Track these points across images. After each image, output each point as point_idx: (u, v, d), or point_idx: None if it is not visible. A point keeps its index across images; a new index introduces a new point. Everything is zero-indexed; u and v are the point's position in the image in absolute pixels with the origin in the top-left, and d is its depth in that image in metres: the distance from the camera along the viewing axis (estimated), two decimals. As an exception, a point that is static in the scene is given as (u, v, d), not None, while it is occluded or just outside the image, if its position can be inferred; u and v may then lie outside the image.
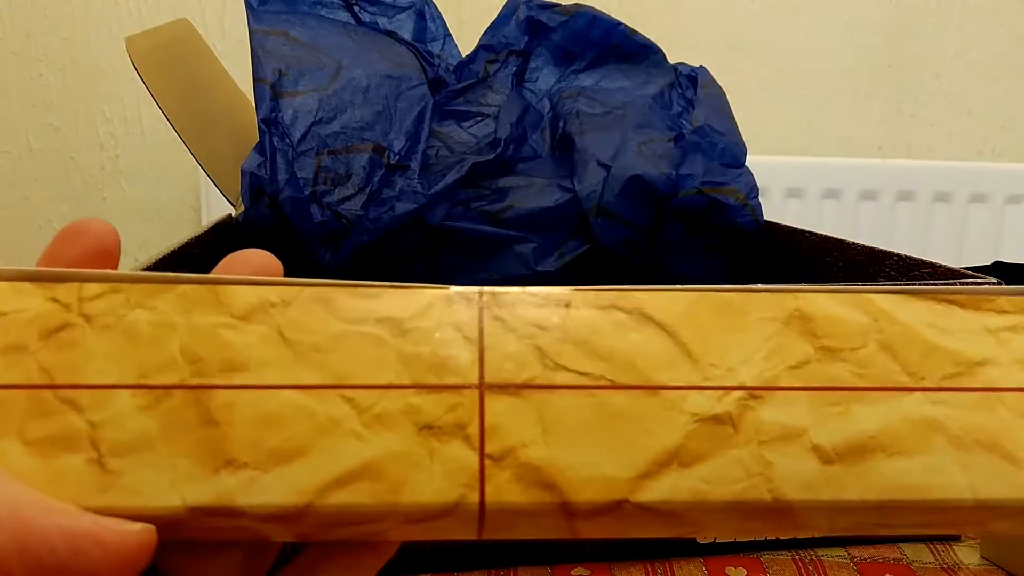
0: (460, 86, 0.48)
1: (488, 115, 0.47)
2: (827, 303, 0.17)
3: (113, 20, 0.88)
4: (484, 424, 0.16)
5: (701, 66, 0.53)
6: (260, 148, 0.42)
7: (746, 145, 0.49)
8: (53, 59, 0.88)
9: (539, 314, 0.17)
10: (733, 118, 0.51)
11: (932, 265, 0.38)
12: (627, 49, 0.51)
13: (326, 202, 0.42)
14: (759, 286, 0.17)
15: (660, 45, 0.52)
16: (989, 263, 0.61)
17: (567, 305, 0.17)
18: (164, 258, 0.36)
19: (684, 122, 0.49)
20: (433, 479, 0.15)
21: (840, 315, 0.17)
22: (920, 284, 0.17)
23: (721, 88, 0.52)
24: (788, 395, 0.16)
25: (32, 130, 0.90)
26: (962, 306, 0.17)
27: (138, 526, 0.14)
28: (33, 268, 0.16)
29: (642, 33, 0.52)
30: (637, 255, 0.46)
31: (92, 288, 0.16)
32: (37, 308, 0.15)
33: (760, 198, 0.48)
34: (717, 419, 0.16)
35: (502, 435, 0.16)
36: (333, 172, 0.42)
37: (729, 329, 0.17)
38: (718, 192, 0.46)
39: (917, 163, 0.91)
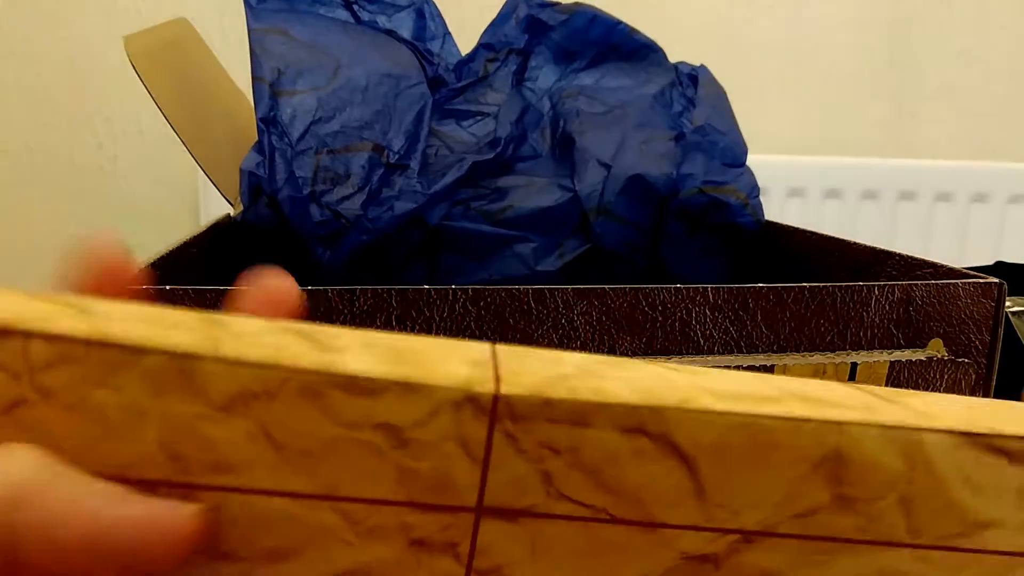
0: (460, 85, 0.48)
1: (488, 114, 0.47)
2: (872, 444, 0.16)
3: (112, 20, 0.88)
4: (475, 545, 0.15)
5: (702, 65, 0.52)
6: (259, 147, 0.42)
7: (747, 144, 0.49)
8: (52, 59, 0.88)
9: (553, 433, 0.15)
10: (734, 117, 0.50)
11: (934, 265, 0.37)
12: (627, 48, 0.51)
13: (325, 201, 0.42)
14: (810, 417, 0.16)
15: (660, 44, 0.52)
16: (991, 263, 0.61)
17: (588, 425, 0.15)
18: (163, 258, 0.36)
19: (685, 121, 0.49)
20: None
21: (878, 460, 0.16)
22: (986, 433, 0.16)
23: (722, 87, 0.52)
24: (779, 542, 0.16)
25: (30, 130, 0.89)
26: (1011, 460, 0.16)
27: (191, 508, 0.14)
28: None
29: (642, 32, 0.52)
30: (637, 255, 0.46)
31: (40, 353, 0.13)
32: None
33: (761, 198, 0.48)
34: (703, 558, 0.16)
35: (491, 554, 0.15)
36: (332, 171, 0.42)
37: (754, 465, 0.16)
38: (719, 192, 0.46)
39: (918, 163, 0.91)
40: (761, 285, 0.33)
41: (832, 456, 0.16)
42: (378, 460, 0.15)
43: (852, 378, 0.34)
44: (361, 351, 0.15)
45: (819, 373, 0.33)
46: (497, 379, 0.15)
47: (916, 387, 0.34)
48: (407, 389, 0.14)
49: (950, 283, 0.34)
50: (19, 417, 0.14)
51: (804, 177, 0.88)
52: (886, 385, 0.34)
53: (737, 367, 0.32)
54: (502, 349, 0.16)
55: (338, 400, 0.14)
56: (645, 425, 0.15)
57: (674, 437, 0.15)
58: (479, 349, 0.16)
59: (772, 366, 0.32)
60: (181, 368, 0.14)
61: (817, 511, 0.16)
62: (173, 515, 0.14)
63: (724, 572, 0.16)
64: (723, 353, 0.32)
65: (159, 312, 0.15)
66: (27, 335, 0.13)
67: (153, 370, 0.14)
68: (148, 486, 0.14)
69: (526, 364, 0.16)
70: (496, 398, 0.15)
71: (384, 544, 0.15)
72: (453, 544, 0.15)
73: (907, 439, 0.16)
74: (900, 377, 0.34)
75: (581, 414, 0.15)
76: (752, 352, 0.33)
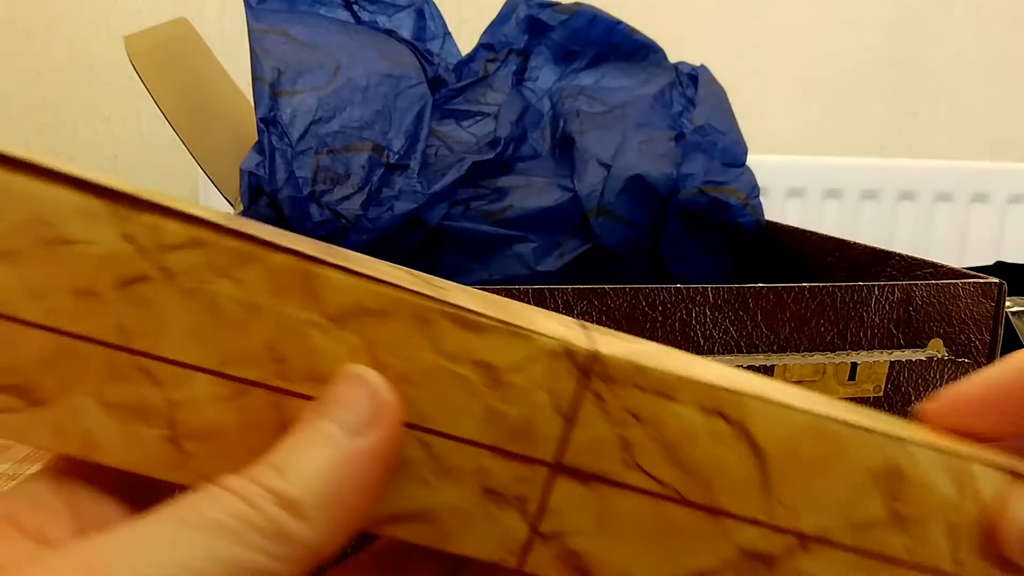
0: (460, 85, 0.48)
1: (488, 114, 0.47)
2: (928, 466, 0.16)
3: (112, 20, 0.88)
4: (547, 504, 0.15)
5: (702, 65, 0.52)
6: (259, 147, 0.42)
7: (747, 144, 0.49)
8: (52, 59, 0.88)
9: (640, 400, 0.15)
10: (734, 117, 0.50)
11: (934, 265, 0.37)
12: (627, 48, 0.51)
13: (325, 201, 0.42)
14: (876, 429, 0.16)
15: (660, 44, 0.52)
16: (991, 263, 0.61)
17: (672, 398, 0.16)
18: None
19: (685, 121, 0.49)
20: (482, 538, 0.15)
21: (933, 482, 0.16)
22: None
23: (722, 87, 0.52)
24: (834, 553, 0.16)
25: (31, 130, 0.89)
26: None
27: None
28: (102, 181, 0.14)
29: (642, 32, 0.52)
30: (638, 255, 0.46)
31: (172, 233, 0.14)
32: (109, 245, 0.13)
33: (761, 198, 0.48)
34: (758, 556, 0.16)
35: (558, 518, 0.15)
36: (332, 171, 0.42)
37: (820, 468, 0.16)
38: (719, 192, 0.46)
39: (918, 163, 0.91)
40: (761, 285, 0.33)
41: (892, 471, 0.16)
42: (470, 397, 0.15)
43: (852, 378, 0.34)
44: (467, 296, 0.16)
45: (819, 373, 0.33)
46: (591, 341, 0.15)
47: (916, 387, 0.34)
48: (510, 332, 0.15)
49: (950, 283, 0.34)
50: (134, 293, 0.14)
51: (804, 177, 0.88)
52: (886, 385, 0.34)
53: (737, 367, 0.32)
54: (588, 324, 0.16)
55: (445, 330, 0.15)
56: (724, 408, 0.16)
57: (749, 426, 0.16)
58: (568, 319, 0.16)
59: (772, 366, 0.32)
60: (306, 271, 0.14)
61: (873, 525, 0.16)
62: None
63: (776, 575, 0.16)
64: (723, 353, 0.32)
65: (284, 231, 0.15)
66: (165, 212, 0.14)
67: (278, 268, 0.14)
68: (243, 387, 0.14)
69: (613, 337, 0.16)
70: (592, 356, 0.15)
71: (457, 487, 0.15)
72: (523, 499, 0.15)
73: (960, 467, 0.16)
74: (900, 377, 0.34)
75: (669, 385, 0.15)
76: (752, 352, 0.33)
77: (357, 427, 0.14)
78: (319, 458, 0.14)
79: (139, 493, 0.15)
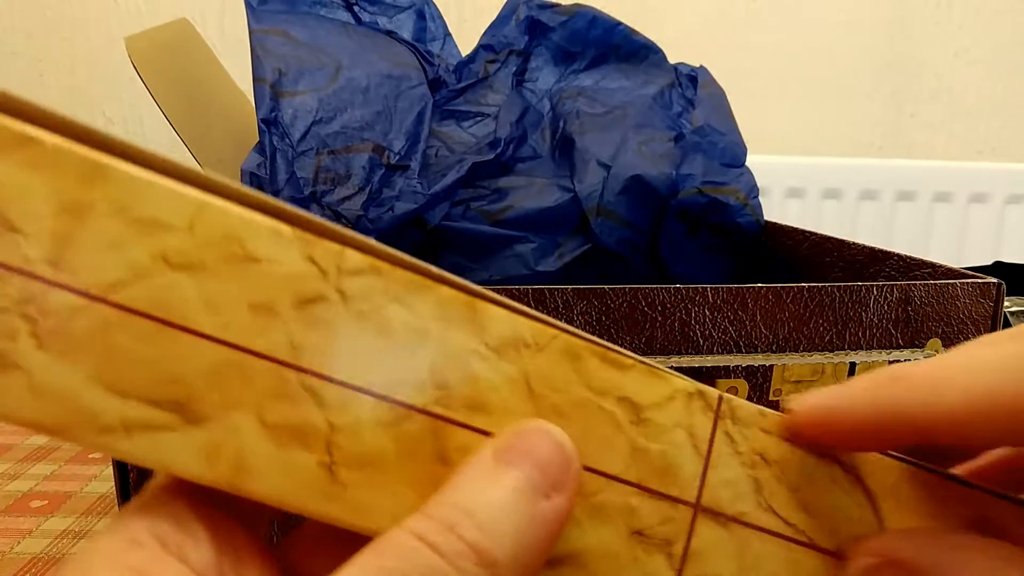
0: (460, 86, 0.48)
1: (488, 115, 0.47)
2: None
3: (113, 20, 0.88)
4: (689, 547, 0.16)
5: (701, 66, 0.53)
6: (260, 148, 0.42)
7: (746, 145, 0.49)
8: (53, 59, 0.88)
9: (766, 442, 0.16)
10: (733, 118, 0.50)
11: (932, 265, 0.38)
12: (627, 49, 0.51)
13: (326, 202, 0.42)
14: (960, 478, 0.17)
15: (660, 45, 0.52)
16: (989, 263, 0.61)
17: (790, 440, 0.16)
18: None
19: (684, 122, 0.49)
20: None
21: None
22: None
23: (721, 88, 0.52)
24: None
25: (31, 130, 0.89)
26: None
27: None
28: (290, 207, 0.14)
29: (642, 33, 0.52)
30: (637, 255, 0.46)
31: (353, 260, 0.14)
32: (293, 265, 0.14)
33: (760, 198, 0.48)
34: None
35: (701, 563, 0.16)
36: (333, 172, 0.42)
37: (926, 511, 0.17)
38: (718, 192, 0.46)
39: (917, 163, 0.91)
40: (760, 285, 0.33)
41: (979, 520, 0.17)
42: (616, 432, 0.16)
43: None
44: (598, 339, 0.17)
45: (818, 373, 0.33)
46: (721, 398, 0.17)
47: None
48: (650, 372, 0.16)
49: (949, 283, 0.34)
50: (310, 313, 0.14)
51: (804, 177, 0.88)
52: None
53: (736, 367, 0.32)
54: None
55: (593, 366, 0.16)
56: (838, 453, 0.17)
57: (862, 471, 0.17)
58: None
59: (771, 366, 0.32)
60: (471, 303, 0.15)
61: None
62: None
63: None
64: (722, 353, 0.33)
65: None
66: (348, 241, 0.14)
67: (446, 298, 0.15)
68: (407, 412, 0.15)
69: (741, 405, 0.17)
70: (720, 397, 0.16)
71: (607, 528, 0.15)
72: (668, 542, 0.16)
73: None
74: (899, 377, 0.34)
75: (790, 430, 0.16)
76: (751, 352, 0.33)
77: (547, 488, 0.14)
78: (514, 515, 0.14)
79: (267, 526, 0.16)
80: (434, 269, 0.15)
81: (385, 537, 0.13)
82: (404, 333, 0.15)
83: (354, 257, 0.14)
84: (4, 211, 0.13)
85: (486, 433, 0.15)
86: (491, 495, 0.14)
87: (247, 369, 0.14)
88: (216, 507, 0.15)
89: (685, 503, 0.16)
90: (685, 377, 0.16)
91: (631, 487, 0.16)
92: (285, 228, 0.14)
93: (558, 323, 0.16)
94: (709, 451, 0.16)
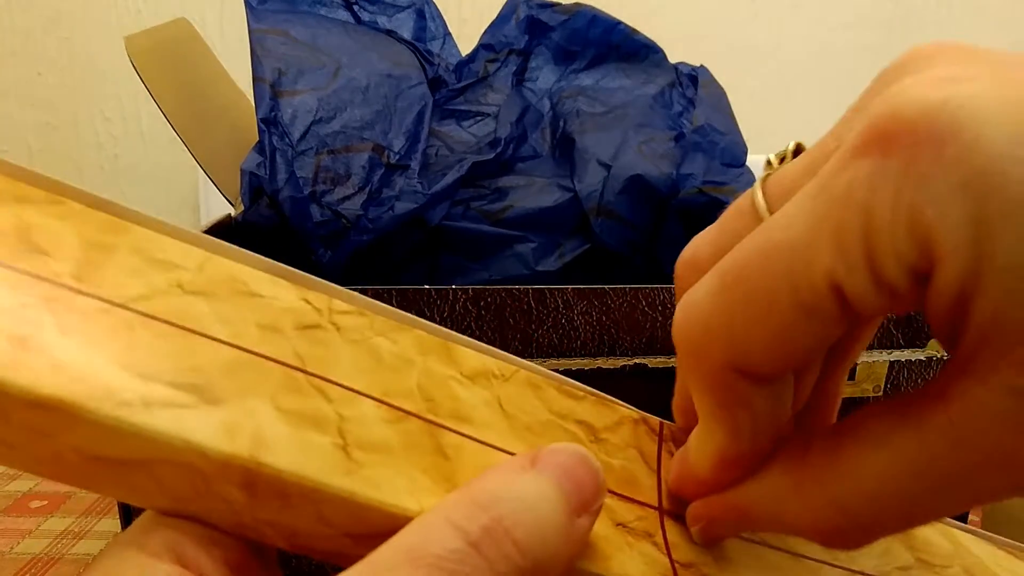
0: (460, 85, 0.48)
1: (488, 114, 0.47)
2: (925, 528, 0.19)
3: (112, 20, 0.88)
4: (667, 539, 0.17)
5: (702, 65, 0.53)
6: (259, 147, 0.42)
7: (747, 145, 0.49)
8: (53, 59, 0.88)
9: None
10: (734, 118, 0.50)
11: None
12: (627, 48, 0.51)
13: (325, 202, 0.42)
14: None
15: (660, 44, 0.52)
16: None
17: None
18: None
19: (685, 122, 0.49)
20: (635, 562, 0.17)
21: (932, 538, 0.19)
22: (1003, 540, 0.20)
23: (722, 88, 0.52)
24: None
25: (31, 130, 0.89)
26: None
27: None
28: (287, 267, 0.17)
29: (642, 32, 0.52)
30: (637, 255, 0.46)
31: (340, 304, 0.17)
32: (291, 302, 0.16)
33: (761, 198, 0.48)
34: None
35: (683, 551, 0.17)
36: (333, 172, 0.42)
37: None
38: (719, 192, 0.46)
39: (918, 163, 0.91)
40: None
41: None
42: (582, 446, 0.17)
43: (851, 378, 0.34)
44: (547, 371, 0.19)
45: (819, 373, 0.33)
46: (662, 424, 0.19)
47: (916, 386, 0.34)
48: (600, 401, 0.19)
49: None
50: (310, 334, 0.16)
51: (804, 177, 0.88)
52: (885, 385, 0.34)
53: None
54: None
55: (552, 395, 0.18)
56: None
57: None
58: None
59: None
60: (444, 343, 0.18)
61: (910, 568, 0.19)
62: None
63: None
64: (723, 353, 0.33)
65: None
66: (336, 293, 0.17)
67: (423, 337, 0.17)
68: (403, 415, 0.16)
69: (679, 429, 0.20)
70: (661, 423, 0.19)
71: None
72: (649, 534, 0.17)
73: (944, 529, 0.20)
74: (900, 377, 0.34)
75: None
76: (752, 352, 0.33)
77: (578, 507, 0.15)
78: (550, 516, 0.14)
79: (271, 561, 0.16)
80: (409, 316, 0.17)
81: (420, 523, 0.13)
82: (391, 359, 0.17)
83: (341, 304, 0.17)
84: (36, 241, 0.14)
85: (474, 439, 0.17)
86: (532, 494, 0.14)
87: (260, 366, 0.15)
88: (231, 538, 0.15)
89: (651, 507, 0.18)
90: (630, 406, 0.19)
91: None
92: (282, 280, 0.17)
93: (519, 360, 0.18)
94: (658, 467, 0.18)
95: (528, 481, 0.14)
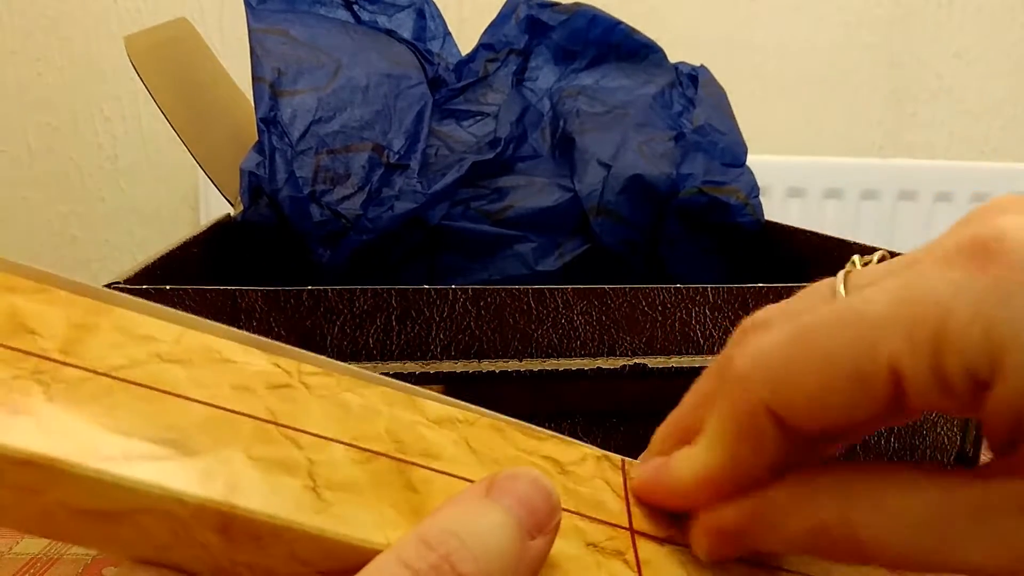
0: (460, 85, 0.48)
1: (488, 114, 0.47)
2: None
3: (112, 20, 0.88)
4: (639, 557, 0.18)
5: (702, 65, 0.52)
6: (259, 147, 0.42)
7: (747, 144, 0.49)
8: (52, 59, 0.88)
9: None
10: (734, 117, 0.50)
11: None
12: (627, 48, 0.51)
13: (325, 201, 0.42)
14: None
15: (660, 44, 0.52)
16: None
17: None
18: (163, 258, 0.36)
19: (685, 121, 0.49)
20: None
21: None
22: None
23: (722, 87, 0.52)
24: None
25: (31, 130, 0.89)
26: None
27: None
28: (259, 337, 0.18)
29: (642, 32, 0.52)
30: (637, 255, 0.46)
31: (309, 367, 0.18)
32: (263, 366, 0.18)
33: (761, 198, 0.48)
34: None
35: (655, 568, 0.18)
36: (332, 171, 0.42)
37: None
38: (719, 192, 0.46)
39: (918, 163, 0.91)
40: (761, 285, 0.33)
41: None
42: (550, 477, 0.18)
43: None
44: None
45: (819, 373, 0.33)
46: (624, 460, 0.20)
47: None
48: (563, 441, 0.20)
49: None
50: (281, 393, 0.18)
51: (804, 177, 0.88)
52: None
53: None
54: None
55: (516, 436, 0.19)
56: None
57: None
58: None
59: (772, 366, 0.32)
60: (409, 397, 0.19)
61: None
62: None
63: None
64: (723, 353, 0.32)
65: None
66: (303, 357, 0.19)
67: (387, 392, 0.19)
68: (373, 455, 0.17)
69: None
70: (623, 460, 0.20)
71: (565, 540, 0.17)
72: (620, 552, 0.18)
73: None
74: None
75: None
76: (752, 352, 0.33)
77: (532, 529, 0.15)
78: (505, 551, 0.15)
79: None
80: (376, 376, 0.19)
81: (374, 564, 0.14)
82: (360, 410, 0.18)
83: (310, 368, 0.18)
84: (25, 321, 0.16)
85: (444, 472, 0.17)
86: (482, 525, 0.15)
87: (233, 421, 0.16)
88: None
89: (622, 527, 0.18)
90: (592, 445, 0.20)
91: (573, 514, 0.18)
92: (253, 348, 0.18)
93: (482, 409, 0.19)
94: (626, 495, 0.19)
95: (480, 511, 0.15)
